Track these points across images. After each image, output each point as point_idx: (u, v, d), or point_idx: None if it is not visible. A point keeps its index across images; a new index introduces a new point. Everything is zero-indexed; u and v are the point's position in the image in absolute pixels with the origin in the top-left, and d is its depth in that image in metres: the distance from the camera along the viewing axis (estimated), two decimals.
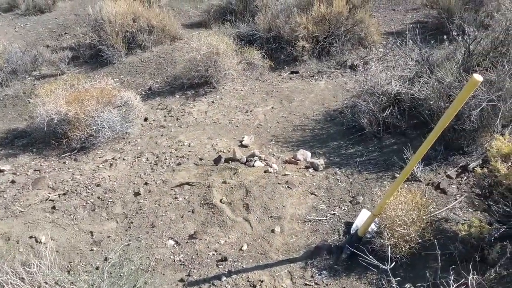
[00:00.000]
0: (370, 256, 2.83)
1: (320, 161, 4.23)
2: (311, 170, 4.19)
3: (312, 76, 6.22)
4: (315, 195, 3.87)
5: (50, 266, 3.28)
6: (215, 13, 8.43)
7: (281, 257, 3.27)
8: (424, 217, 3.12)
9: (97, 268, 3.36)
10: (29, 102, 6.32)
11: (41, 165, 4.80)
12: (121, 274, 3.11)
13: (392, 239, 3.00)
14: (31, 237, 3.70)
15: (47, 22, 9.56)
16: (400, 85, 4.57)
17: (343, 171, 4.10)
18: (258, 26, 7.17)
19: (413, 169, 3.62)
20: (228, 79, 6.21)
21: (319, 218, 3.60)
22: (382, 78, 4.65)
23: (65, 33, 8.84)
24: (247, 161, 4.35)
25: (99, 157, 4.80)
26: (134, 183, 4.27)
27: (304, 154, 4.38)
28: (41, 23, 9.54)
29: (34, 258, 3.39)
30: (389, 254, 2.79)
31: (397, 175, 3.87)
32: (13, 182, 4.51)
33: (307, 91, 5.78)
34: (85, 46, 7.73)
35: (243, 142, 4.72)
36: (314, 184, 4.00)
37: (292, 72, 6.43)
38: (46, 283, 3.19)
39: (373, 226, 3.23)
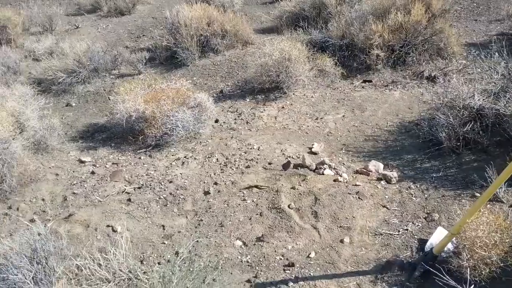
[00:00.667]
0: (447, 276, 2.73)
1: (393, 174, 4.13)
2: (383, 182, 4.11)
3: (386, 86, 6.10)
4: (387, 208, 3.79)
5: (125, 255, 3.49)
6: (288, 19, 8.51)
7: (350, 269, 3.24)
8: (507, 241, 2.96)
9: (168, 261, 3.50)
10: (109, 99, 6.75)
11: (118, 159, 5.11)
12: (191, 269, 3.23)
13: (471, 260, 2.87)
14: (108, 226, 3.95)
15: (127, 24, 10.16)
16: (483, 100, 4.36)
17: (418, 186, 3.98)
18: (331, 33, 7.16)
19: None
20: (299, 85, 6.26)
21: (391, 233, 3.52)
22: (464, 91, 4.47)
23: (143, 35, 9.35)
24: (316, 168, 4.35)
25: (172, 155, 5.03)
26: (204, 182, 4.43)
27: (376, 165, 4.31)
28: (121, 25, 10.16)
29: (110, 246, 3.62)
30: (468, 276, 2.68)
31: (477, 194, 3.69)
32: (93, 173, 4.84)
33: (381, 101, 5.68)
34: (161, 48, 8.11)
35: (313, 149, 4.73)
36: (386, 197, 3.92)
37: (364, 81, 6.35)
38: (120, 270, 3.39)
39: (449, 246, 3.12)
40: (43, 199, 4.46)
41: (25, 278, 2.94)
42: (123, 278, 3.35)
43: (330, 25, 7.38)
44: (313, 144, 4.83)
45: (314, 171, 4.33)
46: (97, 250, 3.64)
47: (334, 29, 7.15)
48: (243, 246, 3.57)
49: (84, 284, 3.32)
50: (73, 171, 4.92)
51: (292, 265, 3.30)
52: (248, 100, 6.24)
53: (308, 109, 5.75)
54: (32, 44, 8.81)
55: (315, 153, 4.69)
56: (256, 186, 4.23)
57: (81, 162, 5.10)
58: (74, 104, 6.95)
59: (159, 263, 3.50)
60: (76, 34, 9.86)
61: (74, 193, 4.50)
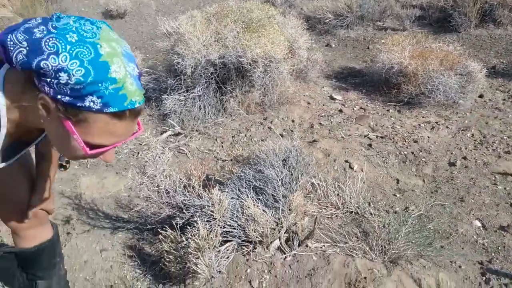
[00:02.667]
0: None
1: None
2: None
3: None
4: None
5: (357, 191, 3.77)
6: None
7: None
8: None
9: (395, 213, 3.64)
10: (368, 48, 7.02)
11: (367, 105, 5.37)
12: (420, 229, 3.29)
13: None
14: (346, 161, 4.29)
15: None
16: None
17: None
18: None
19: None
20: None
21: None
22: None
23: None
24: None
25: (422, 117, 5.00)
26: (451, 153, 4.31)
27: None
28: None
29: (346, 178, 3.96)
30: None
31: None
32: (340, 111, 5.23)
33: None
34: (435, 8, 7.85)
35: None
36: None
37: None
38: (350, 203, 3.71)
39: None
40: (293, 121, 5.09)
41: (276, 177, 3.49)
42: (350, 210, 3.67)
43: None
44: None
45: None
46: (332, 178, 4.03)
47: None
48: (481, 228, 3.41)
49: (315, 202, 3.77)
50: (323, 105, 5.41)
51: None
52: None
53: None
54: None
55: None
56: None
57: (332, 98, 5.55)
58: (333, 46, 7.45)
59: (387, 211, 3.67)
60: None
61: (320, 123, 4.98)
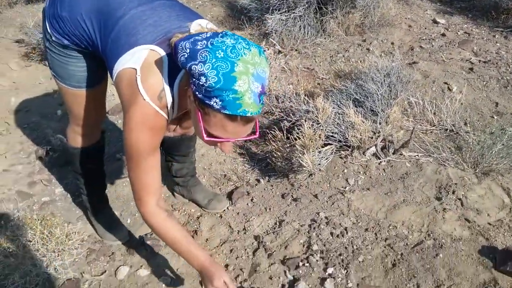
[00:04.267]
0: None
1: None
2: None
3: None
4: None
5: (454, 111, 4.00)
6: None
7: None
8: None
9: (491, 133, 3.85)
10: None
11: (472, 30, 5.37)
12: None
13: None
14: (445, 83, 4.47)
15: None
16: None
17: None
18: None
19: None
20: None
21: None
22: None
23: None
24: None
25: None
26: None
27: None
28: None
29: (443, 99, 4.19)
30: None
31: None
32: (443, 35, 5.29)
33: None
34: None
35: None
36: None
37: None
38: (446, 121, 3.96)
39: None
40: (392, 43, 5.26)
41: (377, 90, 3.83)
42: (446, 128, 3.93)
43: None
44: None
45: None
46: (429, 97, 4.28)
47: None
48: None
49: (411, 119, 4.07)
50: (425, 28, 5.49)
51: None
52: None
53: None
54: None
55: None
56: None
57: (435, 22, 5.59)
58: None
59: (483, 131, 3.88)
60: None
61: (421, 46, 5.12)
